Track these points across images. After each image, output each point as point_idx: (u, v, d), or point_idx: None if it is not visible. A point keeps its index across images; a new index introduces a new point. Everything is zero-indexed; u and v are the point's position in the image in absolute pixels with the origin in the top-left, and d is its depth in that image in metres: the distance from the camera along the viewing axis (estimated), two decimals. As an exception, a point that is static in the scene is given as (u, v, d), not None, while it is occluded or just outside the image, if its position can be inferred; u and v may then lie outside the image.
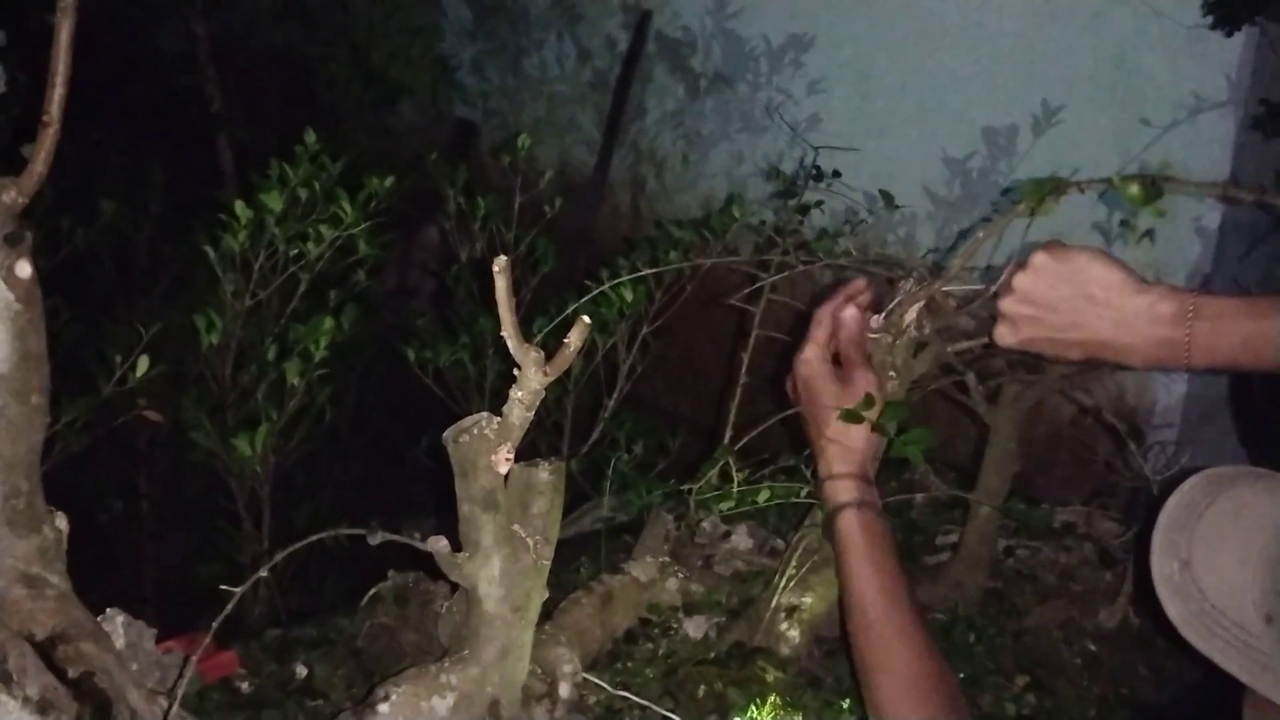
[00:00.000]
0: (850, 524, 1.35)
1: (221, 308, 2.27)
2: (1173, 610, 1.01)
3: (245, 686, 1.49)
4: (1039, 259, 1.29)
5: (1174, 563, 1.01)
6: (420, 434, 2.95)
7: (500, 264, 1.11)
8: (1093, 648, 1.75)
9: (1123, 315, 1.25)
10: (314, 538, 1.14)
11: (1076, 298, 1.27)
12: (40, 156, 1.04)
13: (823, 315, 1.43)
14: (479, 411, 1.23)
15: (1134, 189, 1.29)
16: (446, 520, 1.28)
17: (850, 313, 1.42)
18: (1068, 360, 1.36)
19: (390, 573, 1.57)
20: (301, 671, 1.53)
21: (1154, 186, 1.29)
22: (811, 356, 1.41)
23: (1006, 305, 1.32)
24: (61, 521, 1.15)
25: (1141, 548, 1.07)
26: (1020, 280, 1.30)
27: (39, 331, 1.08)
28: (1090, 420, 1.87)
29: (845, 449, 1.37)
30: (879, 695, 1.28)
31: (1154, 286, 1.25)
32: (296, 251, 2.29)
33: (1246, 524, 1.00)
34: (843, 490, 1.36)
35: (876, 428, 1.36)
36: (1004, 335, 1.35)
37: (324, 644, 1.60)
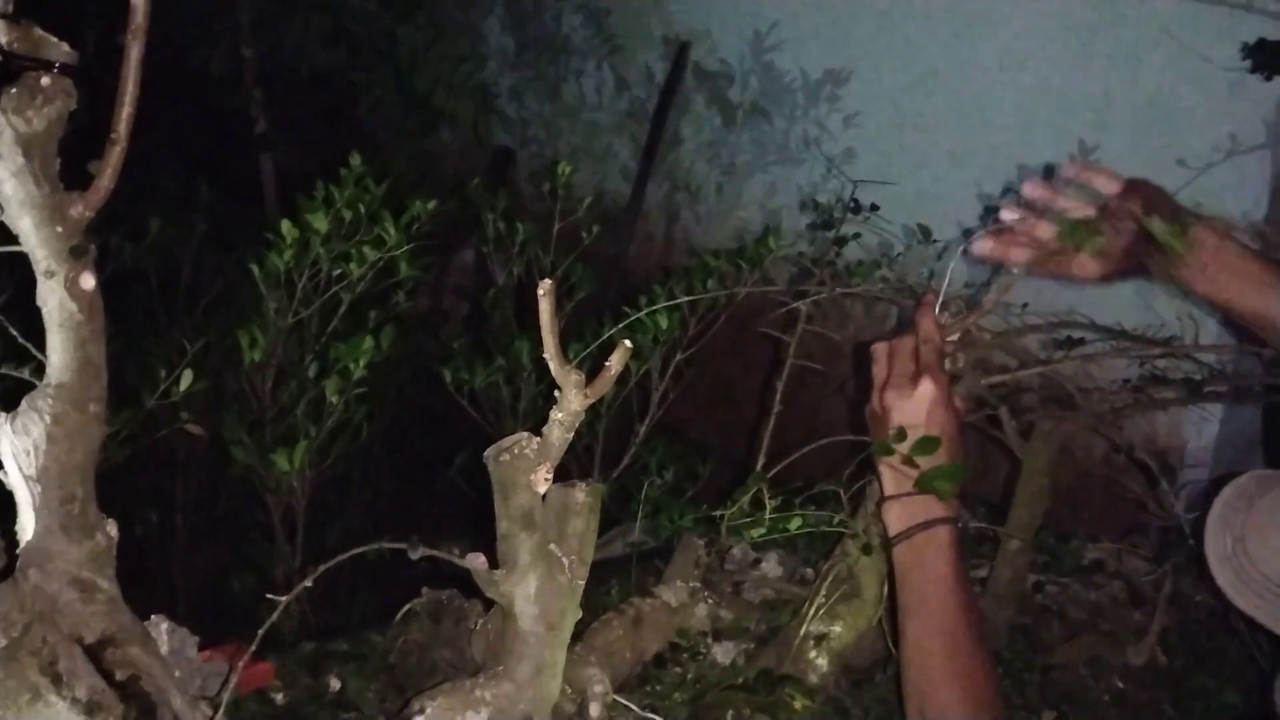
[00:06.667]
0: (947, 540, 1.36)
1: (264, 325, 2.31)
2: (1223, 579, 1.16)
3: (280, 698, 1.52)
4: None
5: (1228, 539, 1.16)
6: (453, 455, 2.97)
7: (545, 287, 1.14)
8: (1120, 685, 1.75)
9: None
10: (357, 550, 1.16)
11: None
12: (107, 173, 1.08)
13: (878, 352, 1.45)
14: (513, 434, 1.26)
15: (1160, 227, 1.35)
16: (477, 542, 1.30)
17: (927, 324, 1.44)
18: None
19: (424, 589, 1.60)
20: (335, 684, 1.55)
21: (1180, 224, 1.37)
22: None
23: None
24: (112, 528, 1.18)
25: (1200, 533, 1.21)
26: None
27: (99, 342, 1.11)
28: (1122, 458, 1.87)
29: None
30: (946, 711, 1.30)
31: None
32: (339, 271, 2.33)
33: None
34: (938, 505, 1.37)
35: (909, 461, 1.36)
36: (1096, 270, 1.47)
37: (357, 658, 1.62)
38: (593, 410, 2.49)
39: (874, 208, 2.00)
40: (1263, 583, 1.14)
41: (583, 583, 1.30)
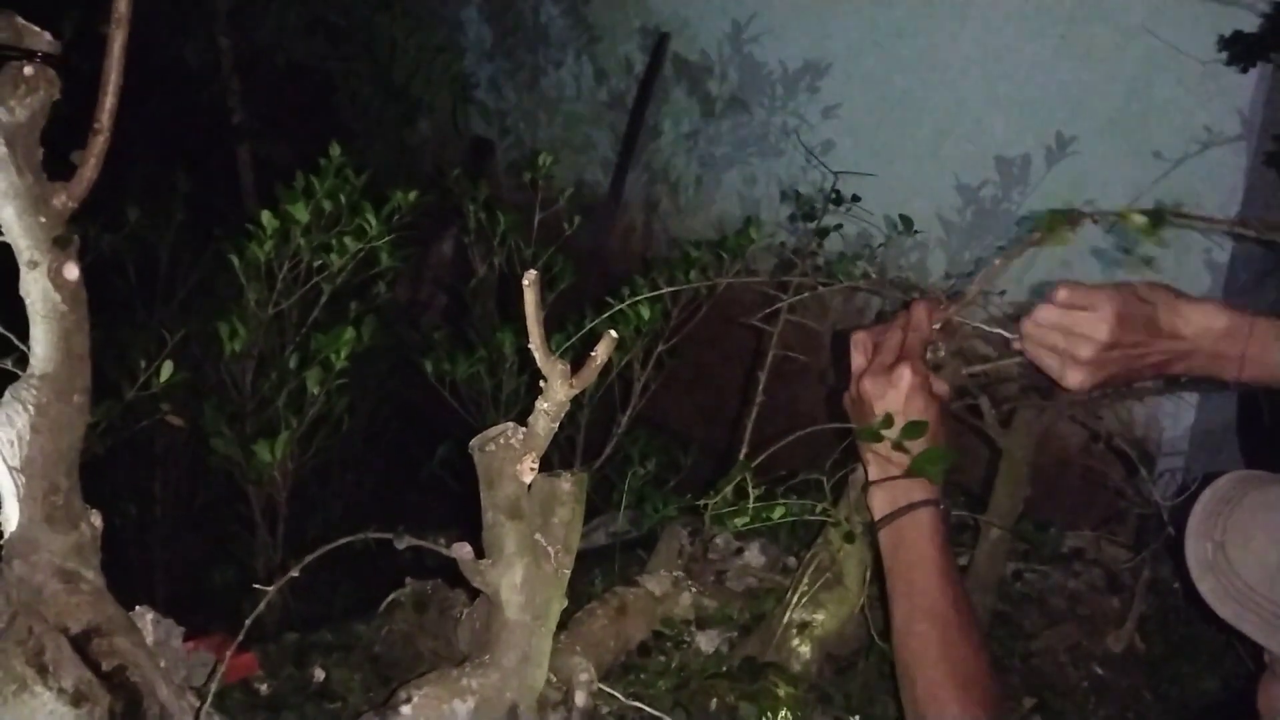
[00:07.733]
0: (930, 521, 1.37)
1: (244, 316, 2.30)
2: (1205, 586, 1.12)
3: (264, 688, 1.52)
4: (1119, 304, 1.31)
5: (1208, 544, 1.13)
6: (434, 446, 2.97)
7: (530, 278, 1.14)
8: (1099, 672, 1.77)
9: (1186, 333, 1.32)
10: (343, 540, 1.16)
11: (1148, 330, 1.33)
12: (90, 163, 1.07)
13: (858, 340, 1.45)
14: (494, 424, 1.26)
15: (1139, 219, 1.33)
16: (459, 532, 1.30)
17: (920, 314, 1.43)
18: (1137, 379, 1.41)
19: (408, 579, 1.60)
20: (319, 675, 1.55)
21: (1158, 217, 1.33)
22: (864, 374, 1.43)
23: (1087, 352, 1.33)
24: (96, 519, 1.18)
25: (1180, 536, 1.17)
26: (1103, 331, 1.32)
27: (83, 333, 1.10)
28: (1100, 446, 1.89)
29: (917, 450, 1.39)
30: (935, 691, 1.32)
31: (1206, 301, 1.33)
32: (320, 262, 2.32)
33: (1278, 515, 1.11)
34: (919, 489, 1.38)
35: (899, 447, 1.37)
36: (1082, 380, 1.35)
37: (341, 649, 1.62)
38: (575, 401, 2.48)
39: (855, 199, 2.01)
40: (1244, 590, 1.11)
41: (568, 572, 1.30)
